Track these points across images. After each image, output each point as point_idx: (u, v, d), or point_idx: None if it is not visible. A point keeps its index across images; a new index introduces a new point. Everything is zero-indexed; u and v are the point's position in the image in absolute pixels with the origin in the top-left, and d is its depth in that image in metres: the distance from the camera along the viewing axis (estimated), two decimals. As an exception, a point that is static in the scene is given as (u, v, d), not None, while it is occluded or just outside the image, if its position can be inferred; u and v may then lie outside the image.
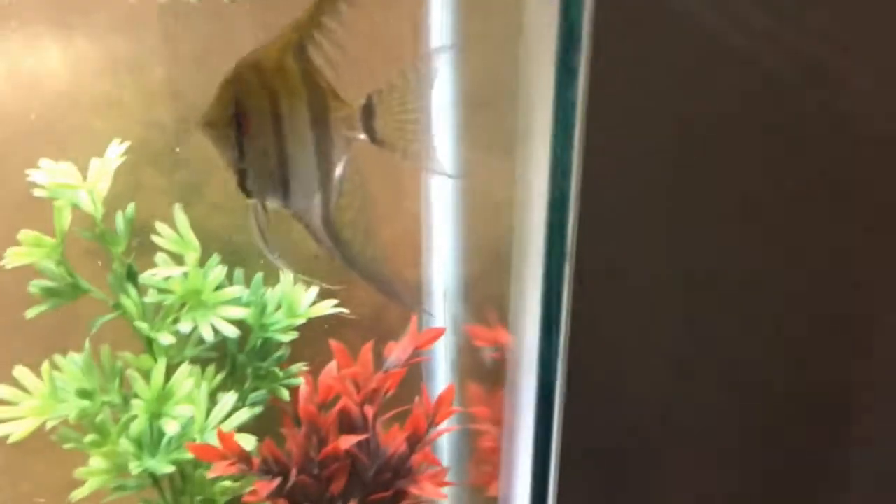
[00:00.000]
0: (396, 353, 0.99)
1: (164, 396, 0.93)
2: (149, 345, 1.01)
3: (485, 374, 1.01)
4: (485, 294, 1.00)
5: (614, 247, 0.74)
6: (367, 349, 0.94)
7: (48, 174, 0.92)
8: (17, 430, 0.88)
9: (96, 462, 0.98)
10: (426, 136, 0.69)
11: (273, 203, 0.72)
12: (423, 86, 0.68)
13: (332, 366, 0.96)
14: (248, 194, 0.72)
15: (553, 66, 0.60)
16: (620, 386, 0.82)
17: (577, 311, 0.66)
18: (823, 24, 0.74)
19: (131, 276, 0.99)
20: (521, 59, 0.66)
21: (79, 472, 0.98)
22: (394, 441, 0.98)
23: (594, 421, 0.79)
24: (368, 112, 0.68)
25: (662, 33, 0.72)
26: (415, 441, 0.98)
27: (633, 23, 0.69)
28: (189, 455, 0.93)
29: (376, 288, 0.75)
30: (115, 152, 0.95)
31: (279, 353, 1.05)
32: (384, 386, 0.96)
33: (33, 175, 0.92)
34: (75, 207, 0.95)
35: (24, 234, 0.92)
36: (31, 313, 0.96)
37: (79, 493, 0.98)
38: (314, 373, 0.99)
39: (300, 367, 1.06)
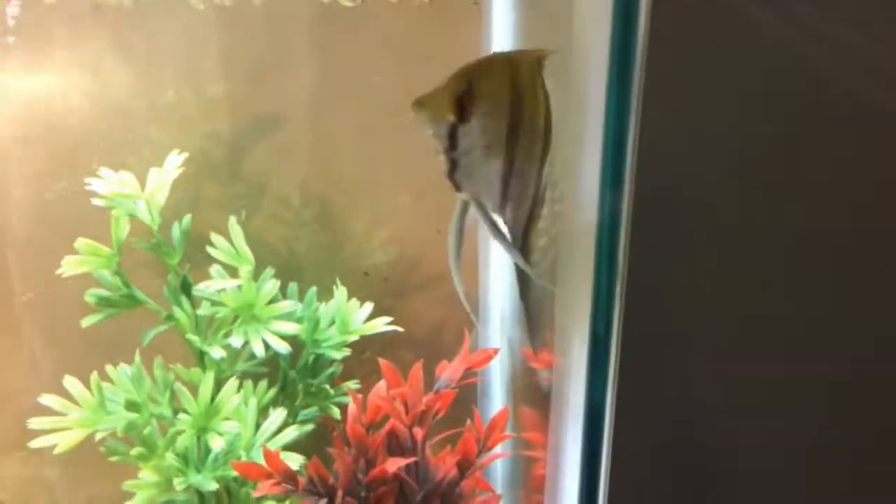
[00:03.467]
0: (448, 373, 0.96)
1: (211, 411, 0.92)
2: (200, 358, 1.00)
3: (540, 398, 0.97)
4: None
5: (665, 264, 0.70)
6: (416, 369, 0.91)
7: (107, 184, 0.93)
8: (64, 441, 0.88)
9: (146, 475, 0.98)
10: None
11: (485, 201, 0.69)
12: None
13: (382, 385, 0.93)
14: (457, 186, 0.69)
15: (605, 81, 0.56)
16: (671, 406, 0.78)
17: (627, 330, 0.62)
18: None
19: (185, 287, 0.99)
20: (571, 75, 0.63)
21: (128, 484, 0.97)
22: (444, 465, 0.95)
23: (644, 441, 0.75)
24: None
25: (719, 47, 0.68)
26: (466, 466, 0.94)
27: (688, 37, 0.66)
28: (234, 472, 0.91)
29: (525, 304, 0.72)
30: (174, 163, 0.95)
31: (331, 370, 1.03)
32: (434, 407, 0.93)
33: (93, 184, 0.93)
34: (133, 218, 0.95)
35: (82, 243, 0.92)
36: (86, 322, 0.96)
37: (128, 508, 0.98)
38: (367, 391, 0.97)
39: (351, 385, 1.04)
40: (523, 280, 0.74)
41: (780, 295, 0.76)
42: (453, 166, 0.68)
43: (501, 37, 0.95)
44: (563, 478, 0.71)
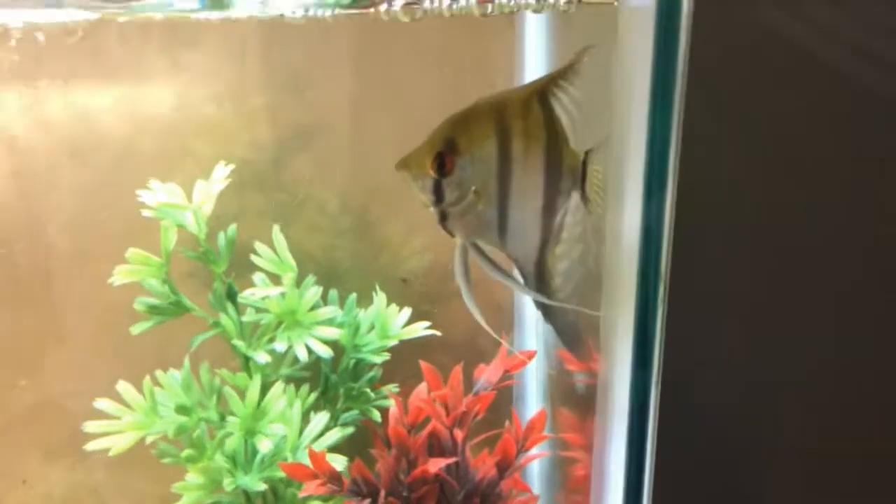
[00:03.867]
0: (486, 375, 0.98)
1: (258, 414, 0.95)
2: (245, 363, 1.03)
3: (577, 399, 0.99)
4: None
5: (708, 269, 0.72)
6: (457, 371, 0.94)
7: (156, 195, 0.96)
8: (118, 444, 0.92)
9: (193, 477, 1.01)
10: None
11: (483, 242, 0.73)
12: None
13: (423, 387, 0.96)
14: (450, 234, 0.73)
15: (648, 92, 0.59)
16: (715, 409, 0.80)
17: (671, 334, 0.64)
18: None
19: (231, 295, 1.02)
20: (615, 85, 0.66)
21: (176, 486, 1.01)
22: (483, 465, 0.97)
23: (688, 443, 0.77)
24: (584, 169, 0.69)
25: (758, 62, 0.70)
26: (504, 466, 0.97)
27: (729, 51, 0.68)
28: (281, 473, 0.94)
29: (556, 331, 0.76)
30: (220, 175, 0.98)
31: (371, 374, 1.06)
32: (474, 409, 0.95)
33: (143, 196, 0.96)
34: (180, 228, 0.99)
35: (132, 253, 0.96)
36: (136, 330, 0.99)
37: (176, 509, 1.02)
38: (406, 395, 1.00)
39: (391, 388, 1.06)
40: (544, 306, 0.76)
41: (823, 295, 0.77)
42: (443, 216, 0.73)
43: (535, 49, 0.98)
44: (608, 477, 0.73)
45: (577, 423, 1.00)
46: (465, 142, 0.70)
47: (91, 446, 0.92)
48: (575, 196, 0.70)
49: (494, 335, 0.77)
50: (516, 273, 0.77)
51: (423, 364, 0.94)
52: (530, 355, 1.00)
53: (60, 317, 1.09)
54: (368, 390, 1.06)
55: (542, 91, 0.70)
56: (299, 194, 1.10)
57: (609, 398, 0.70)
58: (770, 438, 0.82)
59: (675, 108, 0.56)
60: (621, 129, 0.61)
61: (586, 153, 0.70)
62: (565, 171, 0.70)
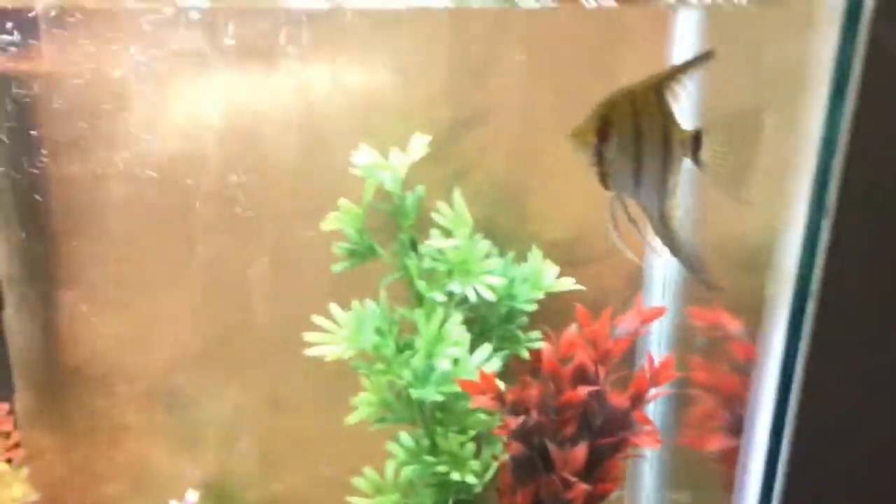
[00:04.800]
0: (625, 323, 1.18)
1: (438, 339, 1.16)
2: (419, 302, 1.24)
3: (697, 349, 1.18)
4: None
5: (864, 255, 0.90)
6: (607, 313, 1.14)
7: (366, 156, 1.18)
8: (331, 353, 1.14)
9: (366, 396, 1.23)
10: (740, 170, 0.90)
11: (627, 196, 0.95)
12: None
13: (573, 328, 1.16)
14: (608, 188, 0.95)
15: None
16: (857, 384, 0.97)
17: (822, 308, 0.83)
18: None
19: (413, 245, 1.23)
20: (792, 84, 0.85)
21: (355, 399, 1.23)
22: (618, 398, 1.17)
23: (829, 413, 0.95)
24: (696, 142, 0.91)
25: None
26: (638, 399, 1.16)
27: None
28: (453, 388, 1.15)
29: (684, 266, 0.98)
30: (418, 144, 1.20)
31: (521, 319, 1.27)
32: (615, 349, 1.15)
33: (356, 156, 1.18)
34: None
35: (342, 203, 1.18)
36: (336, 268, 1.22)
37: (351, 419, 1.24)
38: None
39: (538, 334, 1.26)
40: (669, 242, 0.97)
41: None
42: (602, 176, 0.94)
43: (683, 48, 1.18)
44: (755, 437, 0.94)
45: (697, 368, 1.19)
46: (615, 118, 0.92)
47: (310, 352, 1.14)
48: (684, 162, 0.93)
49: (637, 261, 0.98)
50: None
51: (578, 306, 1.14)
52: (661, 310, 1.19)
53: (277, 249, 1.33)
54: (519, 333, 1.26)
55: (658, 85, 0.92)
56: (469, 166, 1.31)
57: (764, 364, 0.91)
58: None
59: (850, 106, 0.76)
60: (792, 122, 0.81)
61: (697, 130, 0.91)
62: (676, 144, 0.91)
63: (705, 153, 0.90)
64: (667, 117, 0.92)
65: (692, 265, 0.97)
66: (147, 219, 1.33)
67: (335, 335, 1.15)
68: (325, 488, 1.45)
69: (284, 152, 1.28)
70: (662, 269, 1.31)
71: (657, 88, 0.91)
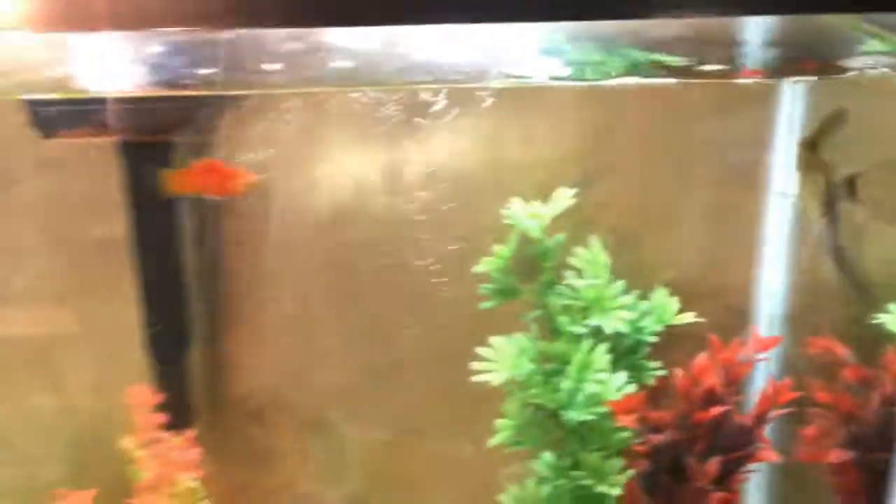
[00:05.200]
0: (746, 350, 1.34)
1: (585, 365, 1.32)
2: (555, 335, 1.41)
3: (810, 373, 1.34)
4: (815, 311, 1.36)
5: None
6: (736, 342, 1.30)
7: (519, 209, 1.36)
8: (495, 379, 1.30)
9: (505, 422, 1.39)
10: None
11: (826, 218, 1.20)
12: None
13: (703, 355, 1.32)
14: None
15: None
16: None
17: None
18: None
19: (553, 284, 1.40)
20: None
21: (498, 423, 1.39)
22: (743, 417, 1.33)
23: None
24: (851, 184, 1.12)
25: None
26: (760, 418, 1.31)
27: None
28: (600, 409, 1.31)
29: (849, 285, 1.20)
30: (563, 197, 1.38)
31: (644, 350, 1.43)
32: (741, 373, 1.31)
33: (511, 208, 1.36)
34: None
35: (497, 249, 1.36)
36: (485, 305, 1.39)
37: (493, 441, 1.39)
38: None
39: (659, 364, 1.42)
40: (839, 260, 1.18)
41: None
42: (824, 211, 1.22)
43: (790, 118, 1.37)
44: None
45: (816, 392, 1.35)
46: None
47: (476, 378, 1.30)
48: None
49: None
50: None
51: (710, 336, 1.31)
52: (777, 339, 1.36)
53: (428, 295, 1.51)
54: (644, 361, 1.42)
55: (811, 141, 1.13)
56: (592, 216, 1.49)
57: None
58: None
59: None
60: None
61: (852, 174, 1.12)
62: (834, 186, 1.13)
63: (865, 192, 1.11)
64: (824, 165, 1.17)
65: (853, 279, 1.17)
66: (310, 269, 1.52)
67: (500, 363, 1.32)
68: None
69: (437, 204, 1.46)
70: (768, 307, 1.49)
71: (810, 143, 1.12)
